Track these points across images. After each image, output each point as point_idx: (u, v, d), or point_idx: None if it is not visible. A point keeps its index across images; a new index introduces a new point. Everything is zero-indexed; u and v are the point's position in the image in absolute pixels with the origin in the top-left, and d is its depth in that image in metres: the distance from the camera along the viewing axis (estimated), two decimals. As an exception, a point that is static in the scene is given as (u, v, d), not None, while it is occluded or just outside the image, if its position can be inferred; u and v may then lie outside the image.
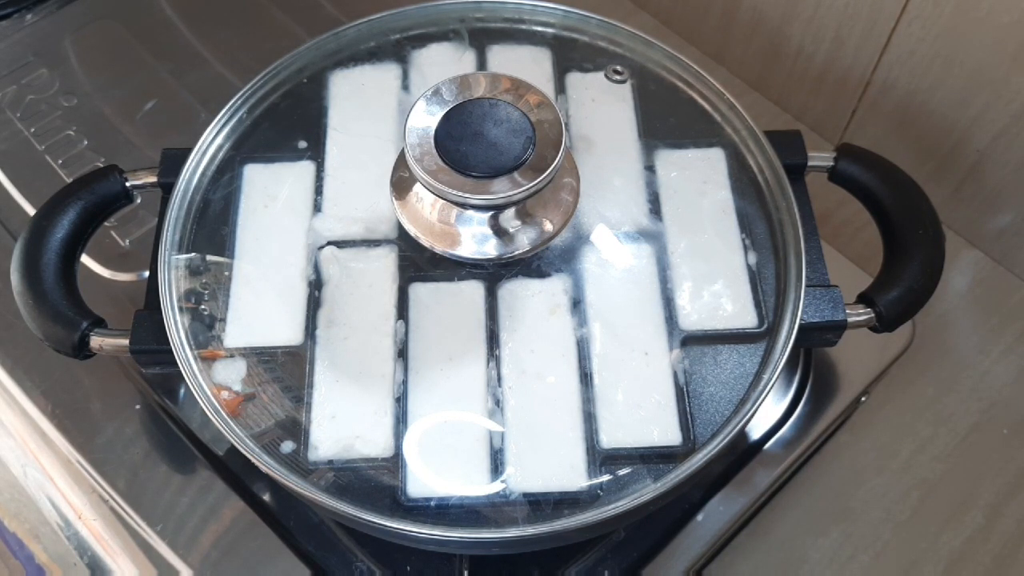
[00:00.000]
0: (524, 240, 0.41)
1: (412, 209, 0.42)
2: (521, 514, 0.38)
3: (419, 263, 0.42)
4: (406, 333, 0.41)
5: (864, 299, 0.44)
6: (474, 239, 0.41)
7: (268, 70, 0.48)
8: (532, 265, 0.42)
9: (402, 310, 0.41)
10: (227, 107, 0.47)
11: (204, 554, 0.47)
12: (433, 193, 0.39)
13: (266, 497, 0.49)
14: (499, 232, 0.41)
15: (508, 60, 0.49)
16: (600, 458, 0.39)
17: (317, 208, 0.44)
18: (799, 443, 0.50)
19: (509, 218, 0.41)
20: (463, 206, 0.39)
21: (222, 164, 0.46)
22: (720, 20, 0.63)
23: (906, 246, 0.44)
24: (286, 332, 0.41)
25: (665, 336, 0.41)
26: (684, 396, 0.40)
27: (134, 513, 0.48)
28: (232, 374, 0.40)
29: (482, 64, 0.49)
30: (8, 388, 0.52)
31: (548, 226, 0.41)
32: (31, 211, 0.57)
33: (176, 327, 0.41)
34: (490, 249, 0.41)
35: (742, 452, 0.50)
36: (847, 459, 0.50)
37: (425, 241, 0.41)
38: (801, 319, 0.41)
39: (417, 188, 0.41)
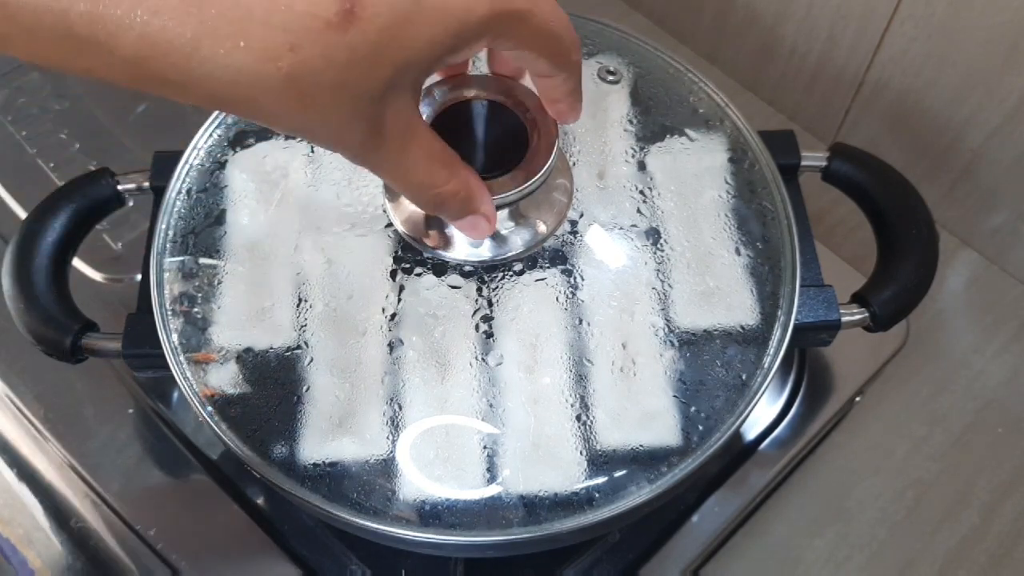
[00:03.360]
0: (518, 241, 0.41)
1: (405, 210, 0.41)
2: (516, 517, 0.38)
3: (412, 265, 0.42)
4: (399, 336, 0.40)
5: (858, 299, 0.44)
6: (467, 240, 0.40)
7: (260, 72, 0.48)
8: (526, 266, 0.41)
9: (395, 312, 0.41)
10: (219, 109, 0.47)
11: (198, 558, 0.47)
12: (426, 195, 0.39)
13: (259, 501, 0.48)
14: (493, 233, 0.40)
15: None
16: (595, 460, 0.39)
17: (310, 209, 0.44)
18: (794, 443, 0.50)
19: (502, 219, 0.40)
20: (456, 208, 0.39)
21: (214, 166, 0.45)
22: (713, 21, 0.64)
23: (900, 246, 0.44)
24: (279, 334, 0.41)
25: (659, 337, 0.41)
26: (679, 397, 0.40)
27: (128, 517, 0.48)
28: (225, 377, 0.40)
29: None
30: (1, 392, 0.52)
31: (541, 227, 0.41)
32: (22, 215, 0.57)
33: (168, 330, 0.41)
34: (483, 250, 0.41)
35: (737, 453, 0.50)
36: (842, 459, 0.50)
37: (418, 243, 0.41)
38: (795, 319, 0.41)
39: (410, 190, 0.41)
